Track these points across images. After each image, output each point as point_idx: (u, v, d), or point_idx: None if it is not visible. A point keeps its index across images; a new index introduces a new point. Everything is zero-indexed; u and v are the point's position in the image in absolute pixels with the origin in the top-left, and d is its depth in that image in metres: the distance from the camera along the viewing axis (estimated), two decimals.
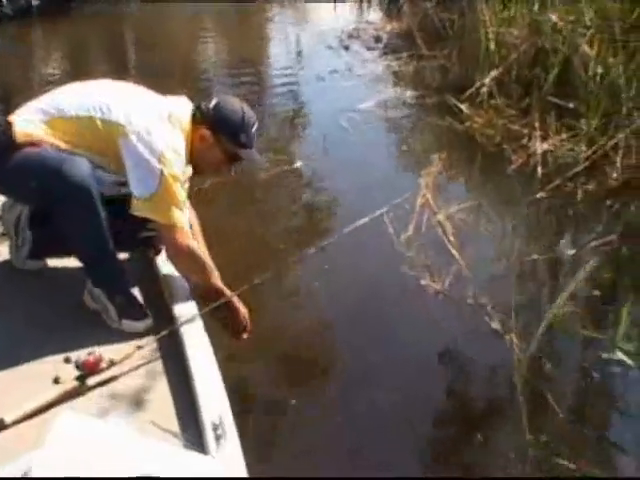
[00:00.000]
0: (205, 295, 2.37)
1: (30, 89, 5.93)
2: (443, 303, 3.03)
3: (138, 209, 2.26)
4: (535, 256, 3.36)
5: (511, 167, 4.35)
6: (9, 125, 2.25)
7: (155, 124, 2.29)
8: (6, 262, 2.54)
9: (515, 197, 4.09)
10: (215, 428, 1.78)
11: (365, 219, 2.69)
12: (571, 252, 3.38)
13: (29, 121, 2.26)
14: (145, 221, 2.32)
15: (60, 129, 2.26)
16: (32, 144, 2.23)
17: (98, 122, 2.25)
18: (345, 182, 4.25)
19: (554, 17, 5.37)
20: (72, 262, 2.40)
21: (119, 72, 6.97)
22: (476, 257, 3.33)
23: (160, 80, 6.07)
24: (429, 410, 2.53)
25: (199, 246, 2.39)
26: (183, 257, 2.31)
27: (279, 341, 2.85)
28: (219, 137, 2.37)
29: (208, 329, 2.19)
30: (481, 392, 2.66)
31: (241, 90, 6.21)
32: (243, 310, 2.42)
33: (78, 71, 6.84)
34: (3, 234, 2.63)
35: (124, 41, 8.51)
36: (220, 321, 2.41)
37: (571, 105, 4.75)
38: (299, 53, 7.35)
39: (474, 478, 2.18)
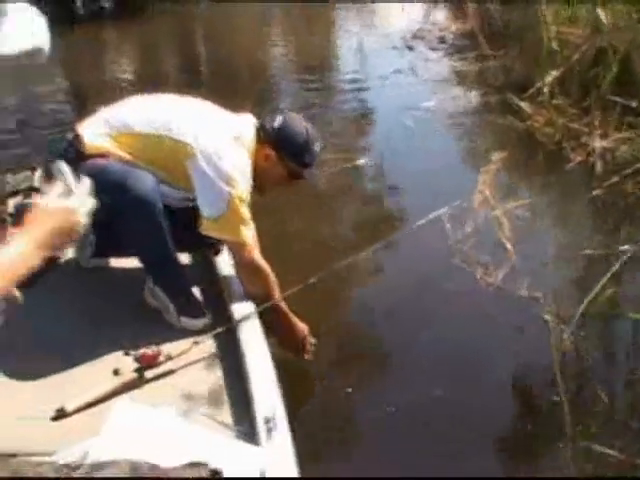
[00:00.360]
0: (271, 313, 2.42)
1: (100, 90, 6.18)
2: (496, 296, 3.11)
3: (207, 229, 2.34)
4: (589, 251, 3.42)
5: (570, 165, 4.39)
6: (78, 137, 2.30)
7: (224, 146, 2.33)
8: (71, 260, 2.62)
9: (572, 194, 4.17)
10: (267, 421, 1.81)
11: (423, 220, 2.78)
12: (624, 248, 3.41)
13: (97, 134, 2.31)
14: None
15: (127, 144, 2.30)
16: (100, 156, 2.27)
17: (166, 141, 2.30)
18: (407, 179, 4.38)
19: (609, 16, 5.40)
20: (134, 261, 2.47)
21: (188, 73, 7.34)
22: (531, 252, 3.42)
23: (228, 81, 6.41)
24: (479, 403, 2.57)
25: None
26: (251, 273, 2.38)
27: (335, 334, 2.91)
28: (282, 156, 2.43)
29: (264, 328, 2.26)
30: (530, 383, 2.73)
31: (305, 91, 6.41)
32: (301, 326, 2.51)
33: (148, 72, 7.17)
34: None
35: (193, 41, 8.78)
36: (282, 342, 2.50)
37: (633, 104, 4.74)
38: (363, 53, 7.47)
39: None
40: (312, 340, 2.55)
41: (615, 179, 4.10)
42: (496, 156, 4.49)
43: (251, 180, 2.37)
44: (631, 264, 3.32)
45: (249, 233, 2.34)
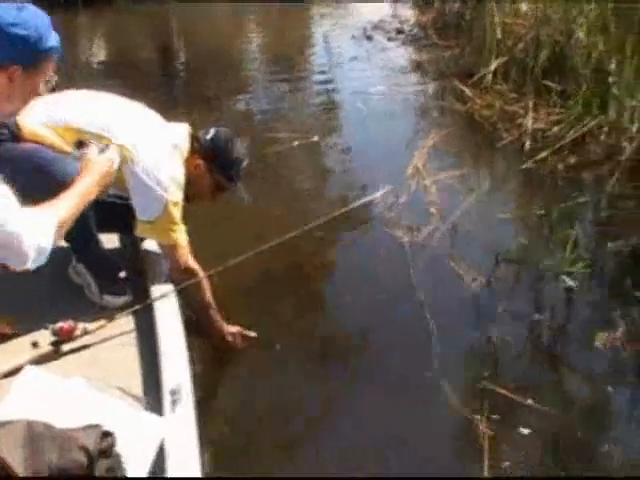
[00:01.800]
0: (199, 314, 2.52)
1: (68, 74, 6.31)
2: (417, 253, 3.33)
3: (142, 231, 2.40)
4: (508, 215, 3.69)
5: (502, 142, 4.63)
6: (15, 120, 2.25)
7: (161, 153, 2.37)
8: None
9: (501, 167, 4.47)
10: (173, 393, 1.84)
11: (361, 201, 3.09)
12: (540, 212, 3.69)
13: (36, 122, 2.29)
14: (126, 210, 2.41)
15: (65, 137, 2.29)
16: (35, 142, 2.26)
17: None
18: (354, 155, 4.61)
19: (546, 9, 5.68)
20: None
21: (157, 64, 7.49)
22: (453, 216, 3.63)
23: (197, 71, 6.62)
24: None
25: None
26: (183, 274, 2.41)
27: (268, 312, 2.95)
28: (211, 168, 2.50)
29: (181, 307, 2.32)
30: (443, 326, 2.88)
31: (269, 77, 6.59)
32: (235, 330, 2.58)
33: (116, 61, 7.26)
34: None
35: (163, 34, 8.88)
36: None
37: (562, 88, 4.99)
38: (325, 44, 7.66)
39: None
40: (251, 334, 2.62)
41: (542, 155, 4.33)
42: (434, 134, 4.74)
43: (183, 187, 2.41)
44: (543, 225, 3.63)
45: (182, 236, 2.39)
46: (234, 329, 2.60)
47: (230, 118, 5.32)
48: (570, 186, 4.05)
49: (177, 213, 2.36)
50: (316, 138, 4.84)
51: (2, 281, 2.25)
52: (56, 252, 2.49)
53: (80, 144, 2.15)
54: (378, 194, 3.55)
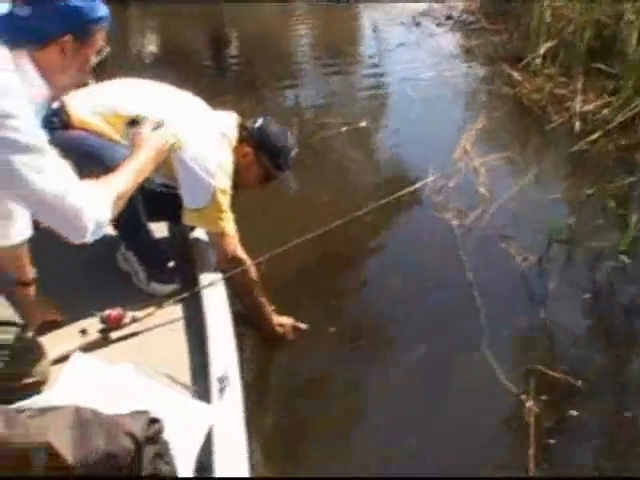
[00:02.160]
0: (247, 305, 2.51)
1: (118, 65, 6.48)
2: (467, 235, 3.37)
3: (190, 219, 2.40)
4: (558, 195, 3.73)
5: (551, 125, 4.64)
6: (64, 107, 2.29)
7: (210, 141, 2.37)
8: (48, 228, 2.67)
9: (550, 149, 4.41)
10: (220, 380, 1.84)
11: (411, 188, 3.06)
12: (589, 192, 3.72)
13: (84, 109, 2.30)
14: (174, 199, 2.39)
15: (113, 124, 2.30)
16: (84, 130, 2.28)
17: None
18: (402, 140, 4.64)
19: None
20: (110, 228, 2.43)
21: (208, 55, 7.58)
22: (503, 197, 3.65)
23: (247, 63, 6.70)
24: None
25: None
26: (231, 263, 2.40)
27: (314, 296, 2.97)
28: (260, 156, 2.49)
29: (229, 296, 2.31)
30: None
31: (318, 65, 6.67)
32: (287, 322, 2.58)
33: (169, 51, 7.38)
34: None
35: (214, 28, 9.00)
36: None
37: (611, 70, 4.99)
38: (374, 31, 7.70)
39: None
40: (302, 326, 2.62)
41: (592, 137, 4.34)
42: (482, 117, 4.77)
43: (232, 175, 2.41)
44: (594, 205, 3.65)
45: (230, 225, 2.38)
46: (285, 320, 2.60)
47: (279, 105, 5.42)
48: (620, 167, 4.06)
49: (225, 201, 2.35)
50: (365, 124, 4.88)
51: (50, 268, 2.28)
52: (105, 239, 2.48)
53: (133, 122, 2.16)
54: (428, 180, 3.59)
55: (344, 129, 4.73)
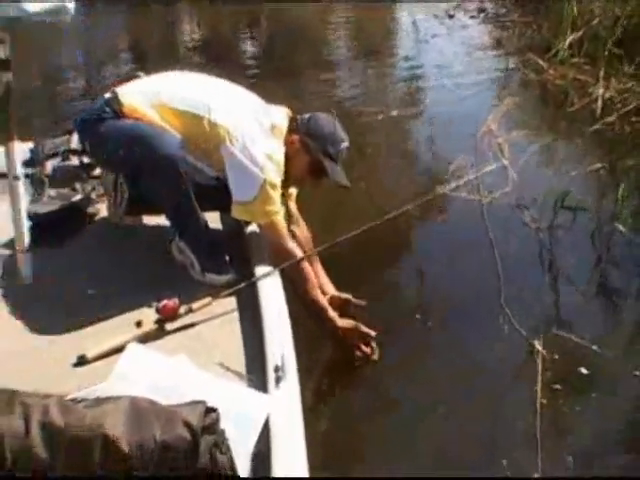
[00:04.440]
0: (307, 305, 2.40)
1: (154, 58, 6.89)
2: (489, 206, 3.60)
3: (239, 213, 2.34)
4: (571, 169, 3.96)
5: (573, 108, 4.92)
6: (116, 97, 2.31)
7: (260, 134, 2.33)
8: (104, 219, 2.66)
9: (571, 128, 4.72)
10: (277, 370, 1.79)
11: (454, 184, 3.19)
12: (600, 166, 3.99)
13: (137, 100, 2.31)
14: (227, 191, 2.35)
15: (165, 116, 2.28)
16: (135, 119, 2.28)
17: (205, 123, 2.28)
18: (435, 126, 4.94)
19: None
20: (164, 218, 2.46)
21: (250, 48, 7.88)
22: (523, 171, 3.91)
23: (286, 54, 6.97)
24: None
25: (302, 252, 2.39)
26: (281, 254, 2.34)
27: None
28: (307, 143, 2.40)
29: (284, 286, 2.26)
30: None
31: (354, 54, 7.04)
32: (351, 325, 2.45)
33: (209, 45, 7.74)
34: (102, 194, 2.71)
35: (256, 25, 9.34)
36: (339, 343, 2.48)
37: (633, 58, 5.26)
38: (408, 21, 8.04)
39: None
40: (371, 333, 2.49)
41: (610, 119, 4.61)
42: (508, 101, 5.05)
43: (283, 168, 2.35)
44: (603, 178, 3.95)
45: (279, 218, 2.32)
46: (347, 323, 2.47)
47: (317, 93, 5.62)
48: (633, 146, 4.31)
49: (275, 195, 2.29)
50: (400, 111, 5.13)
51: (106, 259, 2.39)
52: (159, 229, 2.56)
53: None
54: (470, 177, 3.61)
55: (384, 116, 4.98)
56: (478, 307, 2.91)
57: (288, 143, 2.40)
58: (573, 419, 2.39)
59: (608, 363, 2.60)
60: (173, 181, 2.21)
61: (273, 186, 2.28)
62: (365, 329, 2.47)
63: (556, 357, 2.60)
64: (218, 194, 2.39)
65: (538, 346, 2.62)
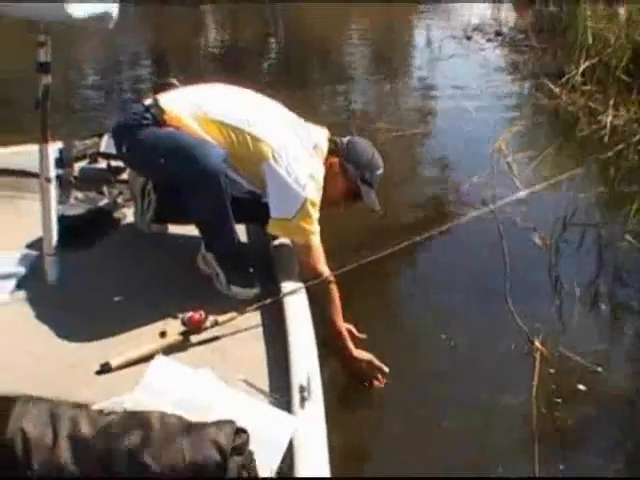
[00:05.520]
0: (327, 328, 2.32)
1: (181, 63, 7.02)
2: (499, 220, 3.62)
3: (276, 229, 2.30)
4: (584, 195, 3.98)
5: (582, 133, 4.97)
6: (157, 104, 2.27)
7: (302, 153, 2.30)
8: (130, 225, 2.62)
9: (579, 153, 4.74)
10: (302, 390, 1.75)
11: (475, 213, 2.99)
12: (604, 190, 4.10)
13: (179, 109, 2.27)
14: (259, 204, 2.34)
15: (208, 128, 2.25)
16: (176, 127, 2.24)
17: (248, 138, 2.25)
18: (449, 146, 4.96)
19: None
20: (191, 228, 2.40)
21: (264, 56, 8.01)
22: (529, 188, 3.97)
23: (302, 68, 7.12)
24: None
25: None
26: (313, 275, 2.28)
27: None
28: (346, 167, 2.40)
29: (310, 303, 2.20)
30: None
31: (372, 72, 7.11)
32: (366, 357, 2.38)
33: (230, 49, 7.95)
34: (129, 199, 2.68)
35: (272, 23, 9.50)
36: (351, 373, 2.41)
37: None
38: (428, 42, 8.11)
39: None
40: (384, 368, 2.42)
41: (619, 147, 4.64)
42: (519, 123, 5.13)
43: (322, 187, 2.32)
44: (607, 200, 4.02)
45: (316, 237, 2.28)
46: (364, 355, 2.41)
47: (333, 111, 5.65)
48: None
49: (314, 213, 2.25)
50: (412, 131, 5.15)
51: (132, 269, 2.34)
52: (185, 238, 2.53)
53: None
54: (491, 207, 3.41)
55: (399, 134, 5.01)
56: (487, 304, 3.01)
57: (327, 165, 2.38)
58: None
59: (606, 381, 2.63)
60: (214, 195, 2.17)
61: (313, 204, 2.25)
62: (379, 363, 2.41)
63: (550, 341, 2.72)
64: (249, 207, 2.38)
65: (537, 343, 2.71)
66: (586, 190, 4.07)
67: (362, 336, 2.49)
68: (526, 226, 3.63)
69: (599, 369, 2.64)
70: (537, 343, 2.73)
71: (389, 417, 2.41)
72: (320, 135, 2.43)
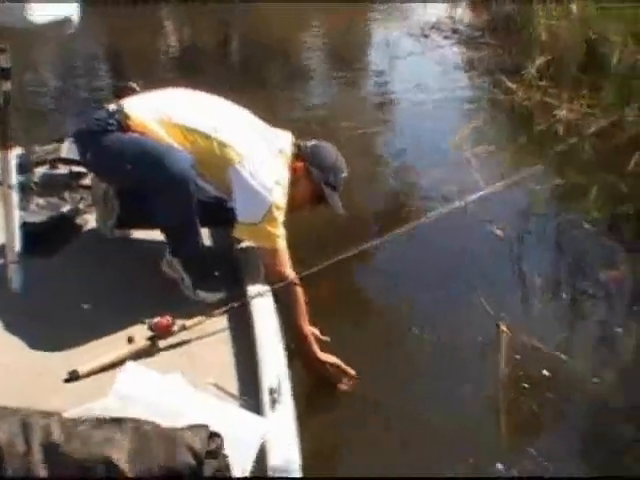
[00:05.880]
0: (292, 331, 2.27)
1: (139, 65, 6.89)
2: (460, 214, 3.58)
3: (242, 233, 2.30)
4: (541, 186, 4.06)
5: (538, 128, 5.03)
6: (122, 110, 2.24)
7: (267, 157, 2.30)
8: (92, 230, 2.60)
9: (535, 147, 4.80)
10: (272, 392, 1.75)
11: (440, 211, 2.96)
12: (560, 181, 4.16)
13: (144, 114, 2.25)
14: (224, 204, 2.37)
15: (174, 134, 2.23)
16: (141, 133, 2.22)
17: (214, 143, 2.24)
18: (408, 140, 5.02)
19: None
20: (155, 233, 2.39)
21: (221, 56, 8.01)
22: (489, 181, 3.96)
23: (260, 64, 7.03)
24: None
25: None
26: (278, 278, 2.26)
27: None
28: (310, 171, 2.39)
29: (276, 306, 2.21)
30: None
31: (329, 70, 7.13)
32: (331, 360, 2.33)
33: (185, 49, 7.93)
34: (90, 205, 2.66)
35: (229, 26, 9.41)
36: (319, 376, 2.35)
37: (594, 83, 5.43)
38: (385, 40, 8.07)
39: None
40: (350, 371, 2.37)
41: (571, 140, 4.74)
42: (477, 118, 5.20)
43: (287, 192, 2.32)
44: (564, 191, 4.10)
45: (282, 241, 2.27)
46: (331, 359, 2.36)
47: (294, 111, 5.58)
48: (595, 164, 4.45)
49: (280, 217, 2.26)
50: (376, 128, 5.19)
51: (97, 274, 2.31)
52: (148, 242, 2.49)
53: None
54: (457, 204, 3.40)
55: (361, 132, 5.02)
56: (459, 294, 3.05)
57: (292, 169, 2.38)
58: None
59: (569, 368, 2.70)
60: (181, 201, 2.17)
61: (279, 208, 2.25)
62: (345, 366, 2.37)
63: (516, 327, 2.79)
64: (214, 211, 2.39)
65: (503, 328, 2.77)
66: (543, 182, 4.13)
67: (326, 339, 2.45)
68: (487, 219, 3.66)
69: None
70: (503, 328, 2.79)
71: (359, 415, 2.38)
72: (285, 140, 2.43)
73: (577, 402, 2.57)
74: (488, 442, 2.34)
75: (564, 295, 3.17)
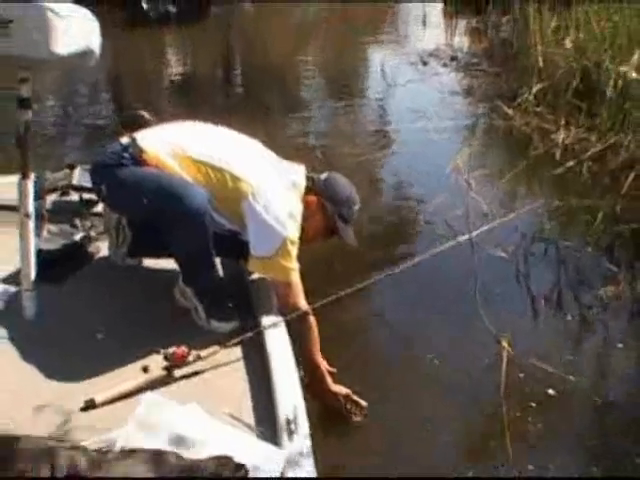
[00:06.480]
0: (304, 362, 2.29)
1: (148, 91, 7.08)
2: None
3: (256, 267, 2.29)
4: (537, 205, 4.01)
5: (535, 152, 5.11)
6: (135, 143, 2.25)
7: (281, 190, 2.29)
8: (105, 258, 2.61)
9: (533, 171, 4.87)
10: (288, 423, 1.75)
11: (442, 248, 2.90)
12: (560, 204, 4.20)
13: (157, 148, 2.25)
14: (238, 237, 2.36)
15: (187, 167, 2.22)
16: (155, 167, 2.22)
17: (228, 176, 2.23)
18: (408, 169, 5.07)
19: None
20: (168, 261, 2.39)
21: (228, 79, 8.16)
22: (487, 205, 4.09)
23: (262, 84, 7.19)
24: None
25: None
26: (292, 311, 2.25)
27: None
28: (324, 205, 2.39)
29: (290, 335, 2.21)
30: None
31: (329, 97, 7.25)
32: (343, 392, 2.35)
33: (193, 72, 8.07)
34: (102, 232, 2.67)
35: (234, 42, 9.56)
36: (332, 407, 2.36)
37: (590, 109, 5.46)
38: (384, 66, 8.06)
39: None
40: (362, 403, 2.38)
41: (570, 164, 4.80)
42: (475, 143, 5.28)
43: (300, 225, 2.30)
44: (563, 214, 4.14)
45: (296, 274, 2.26)
46: (341, 390, 2.37)
47: (296, 138, 5.66)
48: (592, 188, 4.52)
49: (293, 251, 2.24)
50: (374, 155, 5.24)
51: (111, 304, 2.32)
52: (160, 271, 2.51)
53: None
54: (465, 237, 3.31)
55: (362, 158, 5.09)
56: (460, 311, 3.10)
57: (306, 202, 2.37)
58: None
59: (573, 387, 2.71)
60: (198, 234, 2.17)
61: (293, 242, 2.23)
62: (356, 398, 2.38)
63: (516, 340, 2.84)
64: (228, 242, 2.38)
65: (504, 344, 2.80)
66: (543, 204, 4.16)
67: (332, 370, 2.45)
68: (492, 242, 3.67)
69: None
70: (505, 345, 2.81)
71: (374, 442, 2.38)
72: (298, 173, 2.42)
73: (579, 419, 2.63)
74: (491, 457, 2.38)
75: (564, 314, 3.22)
